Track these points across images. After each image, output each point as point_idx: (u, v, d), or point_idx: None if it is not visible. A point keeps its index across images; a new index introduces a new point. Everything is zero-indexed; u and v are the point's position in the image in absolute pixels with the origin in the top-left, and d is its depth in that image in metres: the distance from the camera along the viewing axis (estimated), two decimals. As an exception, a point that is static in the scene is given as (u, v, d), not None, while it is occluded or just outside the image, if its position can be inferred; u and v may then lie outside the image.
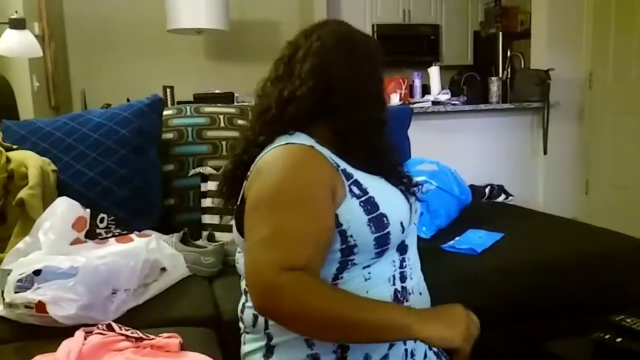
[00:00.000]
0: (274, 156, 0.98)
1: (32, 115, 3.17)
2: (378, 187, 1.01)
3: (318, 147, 0.99)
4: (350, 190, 0.97)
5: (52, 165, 1.64)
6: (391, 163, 1.08)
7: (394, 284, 1.00)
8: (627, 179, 3.75)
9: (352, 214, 0.95)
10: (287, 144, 0.99)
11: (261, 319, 1.01)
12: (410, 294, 1.03)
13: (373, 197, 0.98)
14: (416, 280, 1.06)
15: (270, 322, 1.00)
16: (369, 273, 0.99)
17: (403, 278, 1.02)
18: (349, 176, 0.99)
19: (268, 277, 0.84)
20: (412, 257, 1.07)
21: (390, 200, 1.00)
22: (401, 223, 0.99)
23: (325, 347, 0.97)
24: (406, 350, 1.02)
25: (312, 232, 0.90)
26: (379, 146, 1.05)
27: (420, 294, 1.07)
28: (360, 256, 0.97)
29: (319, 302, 0.84)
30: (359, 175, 1.00)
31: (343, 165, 1.00)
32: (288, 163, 0.96)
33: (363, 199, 0.97)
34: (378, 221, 0.96)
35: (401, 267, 1.03)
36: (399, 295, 1.00)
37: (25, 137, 1.73)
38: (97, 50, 4.58)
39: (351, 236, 0.95)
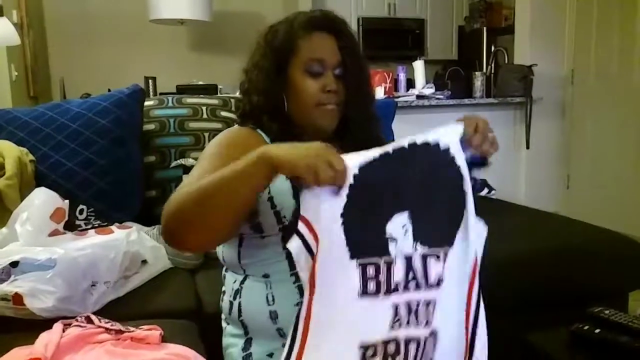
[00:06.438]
0: (218, 135, 1.10)
1: (11, 105, 3.10)
2: None
3: (260, 131, 1.07)
4: None
5: (30, 156, 1.60)
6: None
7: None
8: (607, 174, 3.80)
9: (283, 195, 0.99)
10: (235, 125, 1.11)
11: (235, 305, 1.03)
12: None
13: None
14: None
15: (242, 308, 1.01)
16: None
17: None
18: None
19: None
20: None
21: None
22: None
23: None
24: None
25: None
26: (280, 132, 1.04)
27: None
28: None
29: (182, 195, 0.89)
30: None
31: None
32: (221, 137, 1.08)
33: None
34: None
35: None
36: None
37: (2, 126, 1.69)
38: (77, 39, 4.49)
39: (284, 217, 0.99)
